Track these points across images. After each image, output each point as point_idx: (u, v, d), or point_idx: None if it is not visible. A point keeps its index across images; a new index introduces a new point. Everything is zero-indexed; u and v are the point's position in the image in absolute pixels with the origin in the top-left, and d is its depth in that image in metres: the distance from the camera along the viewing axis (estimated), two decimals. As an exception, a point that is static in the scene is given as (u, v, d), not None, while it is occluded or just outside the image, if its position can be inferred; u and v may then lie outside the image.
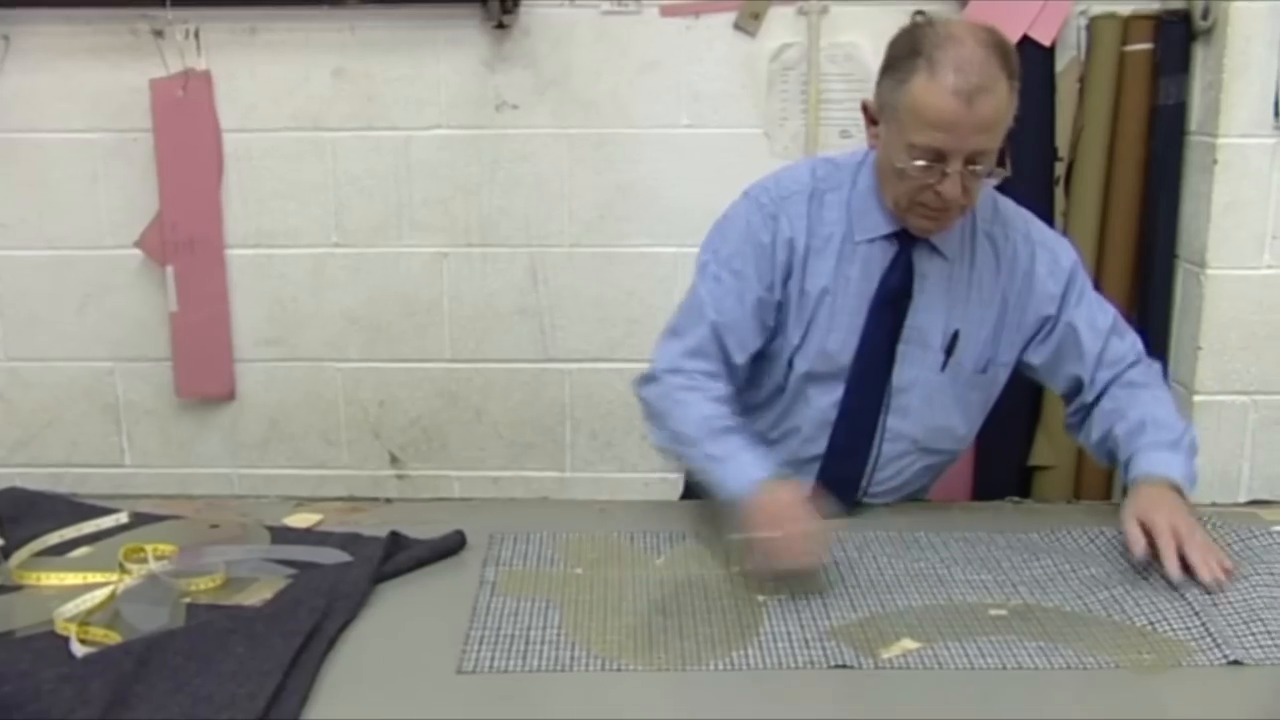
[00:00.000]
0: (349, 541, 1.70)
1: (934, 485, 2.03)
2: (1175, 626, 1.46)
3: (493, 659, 1.40)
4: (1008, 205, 1.89)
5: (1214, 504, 2.13)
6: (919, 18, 2.58)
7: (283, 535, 1.75)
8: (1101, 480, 2.71)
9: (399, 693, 1.34)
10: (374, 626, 1.48)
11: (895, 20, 2.58)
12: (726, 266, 1.81)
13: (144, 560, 1.62)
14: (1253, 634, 1.43)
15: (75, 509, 1.83)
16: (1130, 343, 1.88)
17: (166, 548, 1.65)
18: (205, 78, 2.66)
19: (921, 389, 1.84)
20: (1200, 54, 2.50)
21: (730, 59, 2.64)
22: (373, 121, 2.70)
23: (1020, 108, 2.52)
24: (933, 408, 1.85)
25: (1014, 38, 2.51)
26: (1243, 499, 2.46)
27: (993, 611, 1.51)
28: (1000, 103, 1.64)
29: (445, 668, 1.38)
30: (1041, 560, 1.65)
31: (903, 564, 1.64)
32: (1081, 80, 2.59)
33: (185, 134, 2.68)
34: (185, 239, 2.72)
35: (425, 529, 1.71)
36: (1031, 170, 2.60)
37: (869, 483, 1.89)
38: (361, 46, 2.67)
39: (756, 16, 2.61)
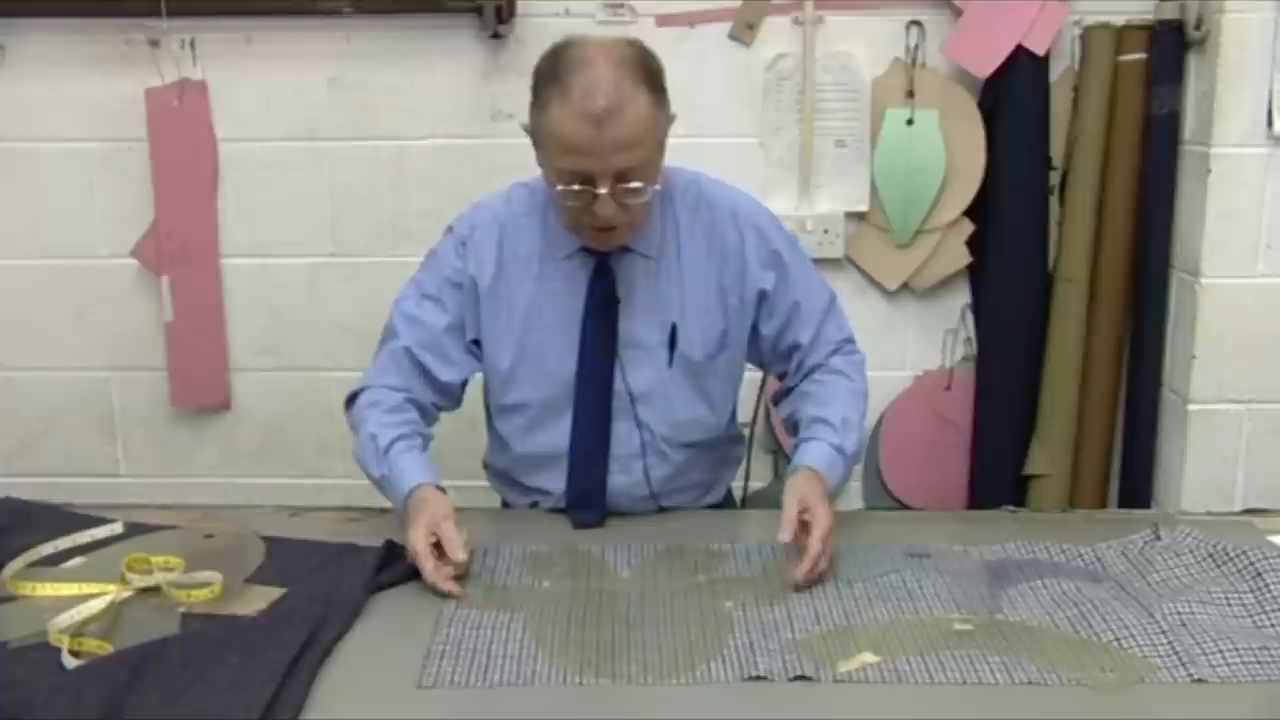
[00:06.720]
0: (345, 551, 1.70)
1: (732, 474, 2.07)
2: (1141, 644, 1.44)
3: (454, 673, 1.39)
4: (714, 187, 1.91)
5: (1209, 512, 2.14)
6: (913, 28, 2.59)
7: (279, 545, 1.75)
8: (1097, 489, 2.71)
9: (357, 708, 1.33)
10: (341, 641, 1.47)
11: (890, 30, 2.61)
12: (422, 293, 1.87)
13: (149, 571, 1.62)
14: (1220, 652, 1.41)
15: (70, 519, 1.82)
16: (838, 326, 1.93)
17: (174, 559, 1.65)
18: (201, 87, 2.66)
19: (656, 388, 1.86)
20: (1194, 64, 2.51)
21: (726, 69, 2.64)
22: (368, 131, 2.70)
23: (1014, 117, 2.58)
24: (672, 404, 1.87)
25: (1008, 47, 2.52)
26: (1238, 508, 2.46)
27: (958, 626, 1.50)
28: (637, 119, 1.65)
29: (405, 682, 1.37)
30: (1014, 575, 1.64)
31: (874, 577, 1.64)
32: (1076, 90, 2.60)
33: (181, 143, 2.67)
34: (180, 248, 2.72)
35: (420, 538, 1.69)
36: (1026, 179, 2.61)
37: (651, 487, 1.89)
38: (357, 56, 2.66)
39: (752, 26, 2.62)
